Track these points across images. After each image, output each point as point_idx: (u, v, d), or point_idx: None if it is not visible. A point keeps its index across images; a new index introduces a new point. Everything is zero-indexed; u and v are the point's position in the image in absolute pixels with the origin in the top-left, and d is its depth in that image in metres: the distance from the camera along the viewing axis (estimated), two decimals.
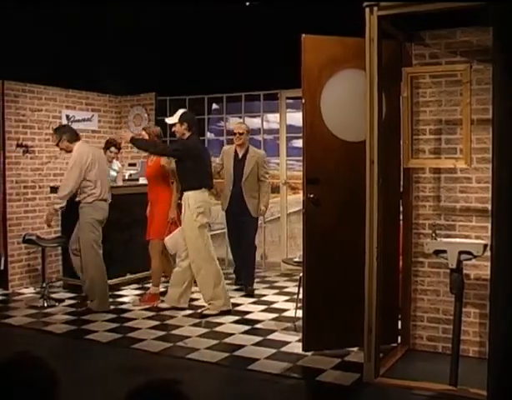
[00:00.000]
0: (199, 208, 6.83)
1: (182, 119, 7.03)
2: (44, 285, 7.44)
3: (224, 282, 7.11)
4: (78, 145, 7.12)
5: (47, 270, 7.73)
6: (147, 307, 7.25)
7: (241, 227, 7.97)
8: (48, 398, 1.82)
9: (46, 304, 7.32)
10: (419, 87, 5.35)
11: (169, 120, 7.48)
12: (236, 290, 8.12)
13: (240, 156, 7.97)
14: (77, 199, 7.10)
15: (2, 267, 8.13)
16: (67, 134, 7.11)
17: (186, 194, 6.90)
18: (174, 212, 7.30)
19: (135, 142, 7.16)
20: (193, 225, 6.84)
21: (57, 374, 1.87)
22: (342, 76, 5.32)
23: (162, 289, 7.64)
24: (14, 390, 1.77)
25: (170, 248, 7.30)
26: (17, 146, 8.12)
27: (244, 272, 8.14)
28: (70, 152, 7.13)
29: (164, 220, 7.30)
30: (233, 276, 8.62)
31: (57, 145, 7.20)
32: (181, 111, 7.30)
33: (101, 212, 7.12)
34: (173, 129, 7.14)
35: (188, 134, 6.98)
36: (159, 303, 7.27)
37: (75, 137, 7.16)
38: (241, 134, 7.94)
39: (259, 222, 8.48)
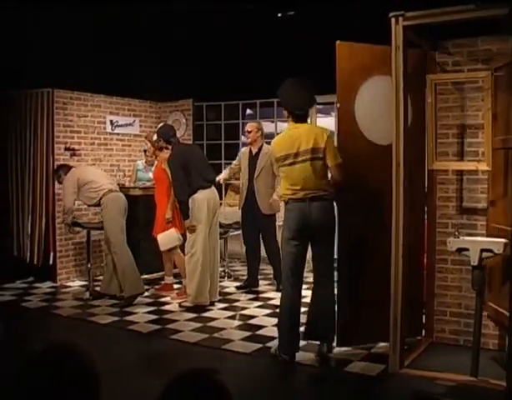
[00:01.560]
0: (196, 210, 6.87)
1: (157, 136, 7.17)
2: (89, 266, 7.60)
3: (217, 276, 7.18)
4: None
5: (93, 265, 7.82)
6: (162, 294, 7.49)
7: (255, 224, 7.80)
8: (91, 384, 1.84)
9: (90, 295, 7.47)
10: (443, 94, 5.33)
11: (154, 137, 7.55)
12: (268, 285, 8.15)
13: (254, 153, 7.79)
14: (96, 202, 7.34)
15: (52, 262, 8.27)
16: None
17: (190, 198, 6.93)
18: (170, 212, 7.32)
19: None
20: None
21: (98, 362, 1.90)
22: (374, 81, 5.28)
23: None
24: (59, 376, 1.77)
25: (160, 244, 7.40)
26: (65, 149, 8.26)
27: (274, 270, 7.94)
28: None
29: (162, 219, 7.39)
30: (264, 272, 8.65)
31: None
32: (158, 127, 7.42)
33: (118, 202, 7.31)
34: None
35: (169, 147, 7.07)
36: (185, 302, 7.12)
37: None
38: (249, 132, 7.78)
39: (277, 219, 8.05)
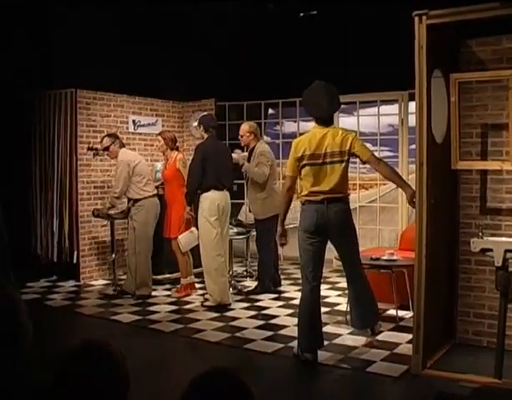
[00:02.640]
0: (209, 207, 6.94)
1: (198, 122, 7.22)
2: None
3: (226, 277, 7.17)
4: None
5: (116, 264, 7.88)
6: (183, 295, 7.52)
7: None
8: (122, 384, 1.86)
9: (114, 291, 7.62)
10: (466, 93, 5.28)
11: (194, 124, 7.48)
12: (290, 284, 8.15)
13: (248, 156, 7.63)
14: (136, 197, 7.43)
15: (75, 261, 8.33)
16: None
17: (202, 195, 7.00)
18: (188, 212, 7.32)
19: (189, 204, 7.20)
20: (201, 221, 6.99)
21: (125, 360, 1.91)
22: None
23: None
24: (84, 375, 1.80)
25: (182, 246, 7.43)
26: (88, 149, 8.31)
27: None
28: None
29: (180, 219, 7.40)
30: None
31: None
32: (201, 114, 7.37)
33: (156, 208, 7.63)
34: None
35: (205, 136, 7.13)
36: (205, 302, 7.19)
37: None
38: (242, 137, 7.66)
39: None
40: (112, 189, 7.57)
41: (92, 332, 6.17)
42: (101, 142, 7.59)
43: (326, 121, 5.21)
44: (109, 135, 7.65)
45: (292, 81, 9.06)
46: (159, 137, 7.63)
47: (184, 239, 7.39)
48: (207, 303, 7.04)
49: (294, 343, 5.48)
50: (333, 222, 5.08)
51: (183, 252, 7.50)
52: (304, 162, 5.10)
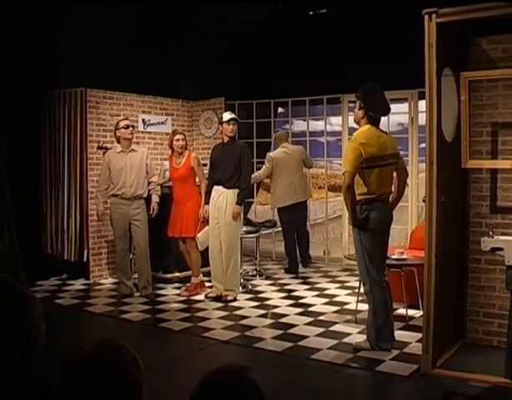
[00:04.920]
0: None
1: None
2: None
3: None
4: None
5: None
6: (193, 294, 7.52)
7: None
8: (128, 382, 1.86)
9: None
10: (477, 91, 5.26)
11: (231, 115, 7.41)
12: (300, 283, 8.16)
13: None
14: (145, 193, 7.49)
15: (85, 260, 8.36)
16: None
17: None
18: (205, 209, 7.37)
19: (242, 202, 7.30)
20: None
21: (138, 362, 1.91)
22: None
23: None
24: (97, 377, 1.80)
25: (201, 243, 7.46)
26: (98, 148, 8.33)
27: None
28: None
29: (197, 218, 7.42)
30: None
31: None
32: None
33: None
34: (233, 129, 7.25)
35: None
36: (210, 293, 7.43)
37: None
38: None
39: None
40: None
41: (102, 330, 6.20)
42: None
43: (378, 122, 5.35)
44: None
45: (301, 79, 9.09)
46: (180, 137, 7.54)
47: (202, 238, 7.40)
48: (230, 298, 7.21)
49: (304, 342, 5.51)
50: (387, 219, 5.39)
51: (201, 250, 7.53)
52: (371, 163, 5.15)
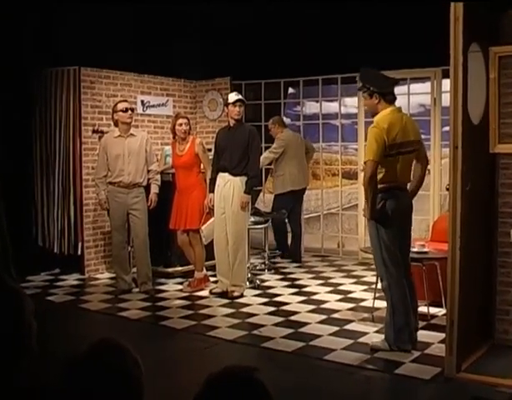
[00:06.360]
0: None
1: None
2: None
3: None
4: None
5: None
6: (196, 289, 7.51)
7: None
8: (129, 385, 1.85)
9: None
10: (507, 68, 5.18)
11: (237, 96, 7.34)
12: (312, 278, 8.14)
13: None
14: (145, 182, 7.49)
15: (80, 253, 8.35)
16: None
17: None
18: (209, 199, 7.34)
19: (250, 191, 7.29)
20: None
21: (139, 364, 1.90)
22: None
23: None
24: (94, 380, 1.79)
25: (206, 237, 7.46)
26: (93, 132, 8.31)
27: None
28: None
29: (202, 209, 7.41)
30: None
31: None
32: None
33: None
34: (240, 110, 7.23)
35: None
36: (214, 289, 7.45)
37: None
38: (270, 130, 9.32)
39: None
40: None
41: (99, 329, 6.20)
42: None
43: (394, 97, 5.30)
44: None
45: (314, 57, 9.03)
46: (184, 121, 7.48)
47: (207, 230, 7.39)
48: (236, 294, 7.19)
49: (316, 342, 5.49)
50: (407, 209, 5.40)
51: (206, 243, 7.53)
52: (394, 150, 5.11)
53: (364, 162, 5.18)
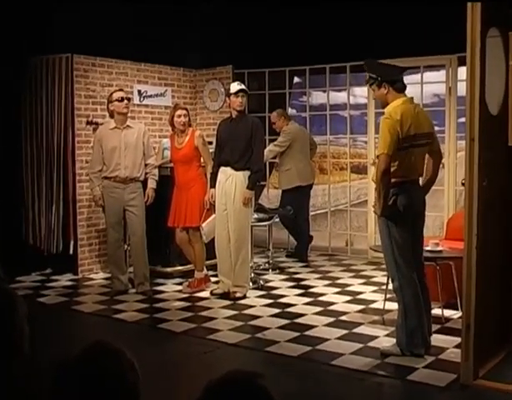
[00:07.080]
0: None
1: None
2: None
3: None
4: None
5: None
6: (196, 290, 7.51)
7: None
8: (124, 391, 1.84)
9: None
10: None
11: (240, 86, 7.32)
12: (319, 278, 8.13)
13: None
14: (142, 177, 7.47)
15: (72, 252, 8.33)
16: None
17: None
18: (210, 194, 7.36)
19: (254, 186, 7.25)
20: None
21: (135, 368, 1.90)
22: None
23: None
24: (87, 386, 1.80)
25: (207, 234, 7.43)
26: (87, 123, 8.31)
27: None
28: None
29: (203, 205, 7.41)
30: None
31: None
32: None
33: None
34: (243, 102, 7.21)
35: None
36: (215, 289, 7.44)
37: None
38: (274, 124, 9.32)
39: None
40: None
41: (93, 332, 6.19)
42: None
43: (404, 85, 5.28)
44: None
45: (321, 44, 9.00)
46: (183, 112, 7.45)
47: (208, 227, 7.37)
48: (239, 295, 7.18)
49: (324, 346, 5.47)
50: (423, 206, 5.43)
51: (206, 242, 7.52)
52: (406, 143, 5.07)
53: (377, 156, 5.15)
